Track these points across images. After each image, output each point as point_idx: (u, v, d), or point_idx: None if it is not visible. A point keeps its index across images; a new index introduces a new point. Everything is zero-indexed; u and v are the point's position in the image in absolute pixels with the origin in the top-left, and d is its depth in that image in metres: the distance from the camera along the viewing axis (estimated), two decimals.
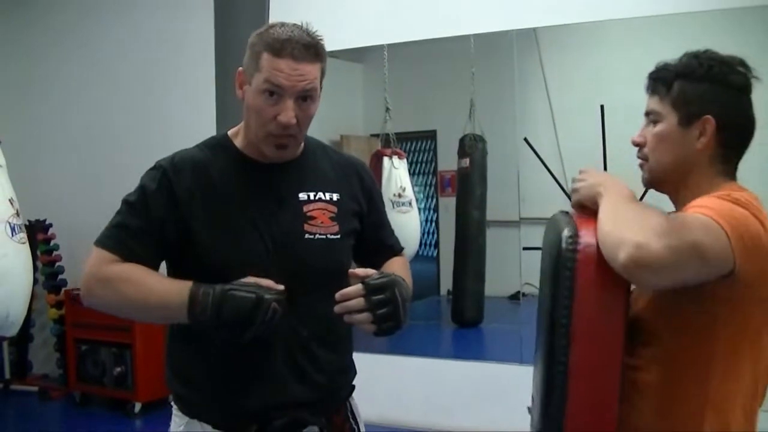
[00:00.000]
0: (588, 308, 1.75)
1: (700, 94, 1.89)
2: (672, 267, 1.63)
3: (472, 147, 7.84)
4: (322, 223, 2.20)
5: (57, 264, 7.30)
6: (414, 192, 7.77)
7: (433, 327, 9.01)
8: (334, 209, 2.24)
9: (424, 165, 11.68)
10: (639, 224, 1.67)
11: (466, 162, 7.94)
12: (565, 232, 1.78)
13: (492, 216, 7.99)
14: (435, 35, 5.73)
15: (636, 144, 2.01)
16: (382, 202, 2.50)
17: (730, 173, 1.93)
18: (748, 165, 1.96)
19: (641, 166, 2.01)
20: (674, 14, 4.97)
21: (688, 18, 5.09)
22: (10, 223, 4.53)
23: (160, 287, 2.06)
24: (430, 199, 10.76)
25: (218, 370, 2.15)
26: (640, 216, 1.71)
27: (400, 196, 7.49)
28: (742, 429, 1.81)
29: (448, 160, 8.60)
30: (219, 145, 2.24)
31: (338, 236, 2.22)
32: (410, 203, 7.58)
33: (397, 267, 2.35)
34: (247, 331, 1.95)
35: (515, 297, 7.35)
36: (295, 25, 2.10)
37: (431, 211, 10.72)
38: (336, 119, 9.37)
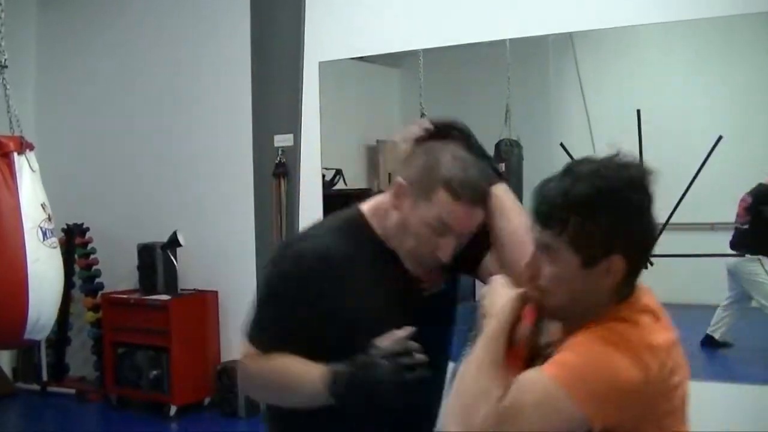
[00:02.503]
0: None
1: (602, 233, 1.67)
2: None
3: (507, 152, 7.79)
4: None
5: (94, 267, 7.37)
6: None
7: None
8: None
9: None
10: (469, 410, 1.67)
11: (502, 167, 7.90)
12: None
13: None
14: (471, 40, 5.72)
15: (529, 276, 1.79)
16: None
17: (634, 287, 1.78)
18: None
19: (534, 293, 1.81)
20: (712, 18, 4.93)
21: (726, 21, 5.04)
22: (41, 228, 4.57)
23: (298, 379, 2.08)
24: None
25: None
26: (478, 395, 1.67)
27: None
28: None
29: None
30: (357, 231, 2.19)
31: None
32: None
33: None
34: (376, 399, 1.96)
35: None
36: (466, 156, 2.08)
37: None
38: (372, 125, 9.36)
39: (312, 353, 2.08)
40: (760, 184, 5.52)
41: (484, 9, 5.55)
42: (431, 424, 2.28)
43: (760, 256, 5.50)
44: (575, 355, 1.65)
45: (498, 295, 1.85)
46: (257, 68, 6.68)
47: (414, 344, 1.96)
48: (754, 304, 5.75)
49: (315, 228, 2.25)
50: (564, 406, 1.59)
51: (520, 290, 1.83)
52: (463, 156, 2.07)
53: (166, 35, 7.22)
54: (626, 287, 1.75)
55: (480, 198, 2.05)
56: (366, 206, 2.23)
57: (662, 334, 1.70)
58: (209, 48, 7.00)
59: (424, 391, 2.16)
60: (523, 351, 1.85)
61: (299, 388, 2.07)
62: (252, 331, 2.17)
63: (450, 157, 2.05)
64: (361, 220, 2.21)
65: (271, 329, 2.15)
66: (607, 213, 1.67)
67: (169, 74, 7.21)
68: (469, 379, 1.74)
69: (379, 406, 1.96)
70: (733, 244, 5.64)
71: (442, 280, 2.24)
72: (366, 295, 2.13)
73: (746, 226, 5.53)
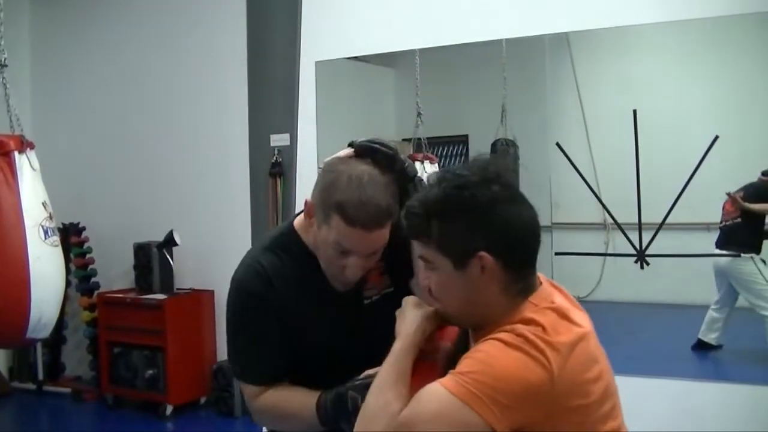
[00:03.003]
0: None
1: (461, 232, 1.73)
2: None
3: (504, 152, 7.80)
4: None
5: (90, 267, 7.37)
6: None
7: None
8: None
9: None
10: (369, 424, 1.75)
11: None
12: None
13: None
14: (467, 40, 5.72)
15: (425, 288, 1.86)
16: None
17: (529, 285, 1.80)
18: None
19: (436, 305, 1.89)
20: (707, 18, 4.93)
21: (722, 21, 5.05)
22: (43, 227, 4.58)
23: (296, 411, 2.15)
24: None
25: None
26: (379, 409, 1.76)
27: None
28: None
29: None
30: (289, 245, 2.24)
31: None
32: None
33: None
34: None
35: None
36: (370, 175, 2.04)
37: None
38: (368, 124, 9.36)
39: (292, 370, 2.20)
40: (751, 184, 5.50)
41: (480, 9, 5.54)
42: None
43: (752, 254, 5.46)
44: (473, 362, 1.67)
45: (406, 315, 1.92)
46: (253, 68, 6.68)
47: None
48: (740, 302, 5.68)
49: (251, 251, 2.30)
50: (461, 415, 1.61)
51: (431, 309, 1.89)
52: (364, 175, 2.03)
53: (163, 34, 7.23)
54: (516, 284, 1.77)
55: (379, 220, 2.02)
56: (297, 220, 2.27)
57: (566, 331, 1.70)
58: (205, 47, 7.01)
59: None
60: (441, 367, 1.87)
61: (300, 418, 2.13)
62: (233, 371, 2.30)
63: (346, 179, 2.03)
64: (292, 234, 2.25)
65: (246, 360, 2.24)
66: (459, 212, 1.73)
67: (165, 73, 7.22)
68: (373, 394, 1.80)
69: None
70: (721, 244, 5.59)
71: (384, 285, 2.27)
72: (304, 305, 2.19)
73: (736, 221, 5.48)
